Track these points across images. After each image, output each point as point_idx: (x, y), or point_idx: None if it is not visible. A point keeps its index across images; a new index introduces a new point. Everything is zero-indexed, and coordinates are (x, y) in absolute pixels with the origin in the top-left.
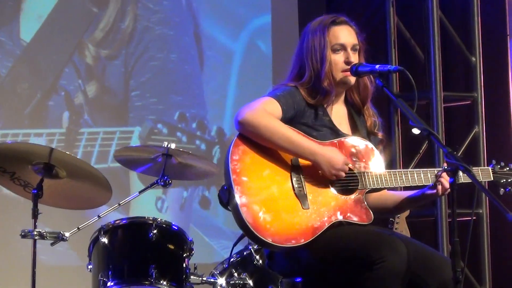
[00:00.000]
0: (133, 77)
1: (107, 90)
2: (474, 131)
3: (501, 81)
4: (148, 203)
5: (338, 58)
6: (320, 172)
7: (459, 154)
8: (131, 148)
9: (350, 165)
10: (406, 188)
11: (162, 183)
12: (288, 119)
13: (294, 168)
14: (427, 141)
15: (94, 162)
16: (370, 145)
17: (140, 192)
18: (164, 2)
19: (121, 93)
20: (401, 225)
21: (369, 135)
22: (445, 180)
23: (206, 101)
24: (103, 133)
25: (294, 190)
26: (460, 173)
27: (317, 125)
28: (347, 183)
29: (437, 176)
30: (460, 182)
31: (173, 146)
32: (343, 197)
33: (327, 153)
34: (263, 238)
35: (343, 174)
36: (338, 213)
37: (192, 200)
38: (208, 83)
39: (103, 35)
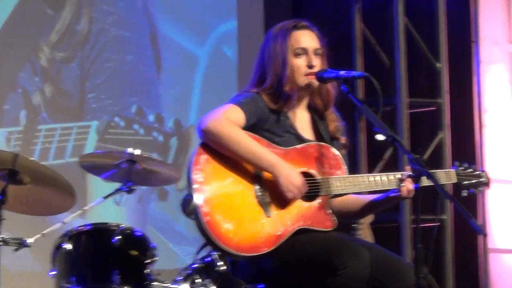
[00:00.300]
0: (89, 79)
1: (63, 92)
2: (439, 137)
3: (465, 87)
4: (108, 207)
5: (300, 62)
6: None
7: (423, 160)
8: (95, 154)
9: (313, 171)
10: (370, 192)
11: (127, 189)
12: (251, 126)
13: (256, 177)
14: (391, 147)
15: (52, 158)
16: (333, 150)
17: (105, 197)
18: (119, 4)
19: (77, 95)
20: (364, 231)
21: (332, 140)
22: (409, 183)
23: (163, 104)
24: (60, 129)
25: (257, 198)
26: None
27: (279, 131)
28: (310, 189)
29: (401, 180)
30: (423, 185)
31: (137, 152)
32: (306, 204)
33: (286, 168)
34: (226, 248)
35: (298, 195)
36: (301, 220)
37: (150, 193)
38: (167, 86)
39: (58, 37)
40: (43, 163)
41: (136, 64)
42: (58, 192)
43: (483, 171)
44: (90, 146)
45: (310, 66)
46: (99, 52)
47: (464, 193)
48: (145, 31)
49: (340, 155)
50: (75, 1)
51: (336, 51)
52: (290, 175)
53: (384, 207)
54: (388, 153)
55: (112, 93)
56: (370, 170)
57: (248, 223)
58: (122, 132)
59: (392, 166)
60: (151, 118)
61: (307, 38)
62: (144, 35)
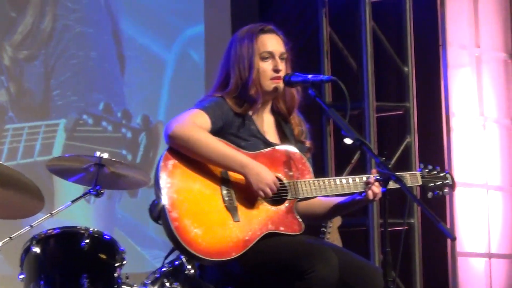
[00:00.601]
0: (54, 77)
1: (27, 91)
2: (406, 141)
3: (433, 91)
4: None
5: (266, 66)
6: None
7: (391, 164)
8: (63, 157)
9: (280, 175)
10: (337, 195)
11: (95, 193)
12: (217, 131)
13: (224, 181)
14: (359, 151)
15: (20, 157)
16: (299, 153)
17: (73, 201)
18: (83, 1)
19: (41, 93)
20: (333, 235)
21: (297, 143)
22: (375, 186)
23: (129, 101)
24: (28, 128)
25: (224, 203)
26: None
27: (245, 135)
28: (278, 193)
29: (367, 183)
30: (390, 187)
31: (105, 155)
32: (274, 208)
33: (257, 167)
34: (195, 253)
35: (269, 192)
36: (269, 224)
37: (119, 196)
38: (132, 85)
39: (21, 38)
40: (11, 162)
41: (100, 60)
42: (26, 195)
43: (447, 173)
44: (59, 144)
45: (276, 70)
46: (64, 49)
47: (430, 195)
48: (108, 29)
49: (306, 159)
50: (38, 0)
51: (303, 55)
52: (261, 173)
53: (350, 210)
54: (355, 157)
55: (77, 90)
56: (338, 174)
57: (217, 228)
58: (90, 129)
59: (359, 169)
60: (119, 114)
61: (273, 42)
62: (107, 33)
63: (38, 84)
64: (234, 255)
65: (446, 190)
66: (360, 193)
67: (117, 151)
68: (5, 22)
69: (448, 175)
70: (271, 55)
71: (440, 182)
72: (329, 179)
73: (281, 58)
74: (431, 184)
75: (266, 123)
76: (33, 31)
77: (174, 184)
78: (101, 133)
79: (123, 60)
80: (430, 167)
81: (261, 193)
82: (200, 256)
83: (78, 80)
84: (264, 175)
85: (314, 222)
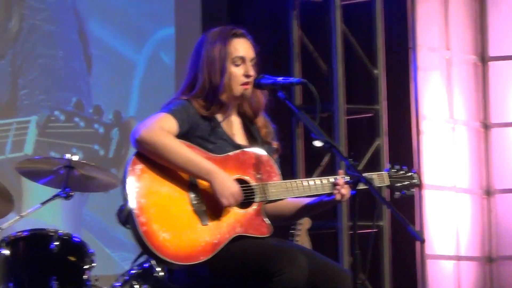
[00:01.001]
0: (21, 76)
1: None
2: (376, 143)
3: (403, 93)
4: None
5: (237, 71)
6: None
7: (361, 166)
8: (33, 160)
9: (248, 177)
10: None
11: (64, 195)
12: (184, 134)
13: (192, 185)
14: (329, 154)
15: None
16: (266, 155)
17: (43, 203)
18: (49, 0)
19: (8, 92)
20: (302, 237)
21: (264, 144)
22: (344, 188)
23: (97, 98)
24: None
25: (192, 207)
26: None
27: (212, 138)
28: (246, 196)
29: (335, 184)
30: (359, 188)
31: (75, 158)
32: (242, 210)
33: (222, 176)
34: (163, 257)
35: (233, 202)
36: (238, 227)
37: (86, 198)
38: (100, 86)
39: None
40: None
41: (67, 59)
42: None
43: (415, 172)
44: (31, 141)
45: (247, 76)
46: (31, 48)
47: (397, 195)
48: (74, 27)
49: (273, 160)
50: (3, 1)
51: (274, 57)
52: (226, 182)
53: (318, 211)
54: (325, 160)
55: (45, 89)
56: (308, 176)
57: (185, 232)
58: (62, 125)
59: (329, 172)
60: (91, 110)
61: (245, 47)
62: (73, 31)
63: (5, 83)
64: (202, 259)
65: (413, 189)
66: (329, 194)
67: (89, 146)
68: None
69: (415, 175)
70: (242, 61)
71: (408, 182)
72: (296, 181)
73: (252, 62)
74: (398, 184)
75: (233, 125)
76: (0, 31)
77: (142, 189)
78: (73, 129)
79: (90, 60)
80: (397, 167)
81: (225, 201)
82: (169, 260)
83: (46, 79)
84: (229, 184)
85: (282, 223)
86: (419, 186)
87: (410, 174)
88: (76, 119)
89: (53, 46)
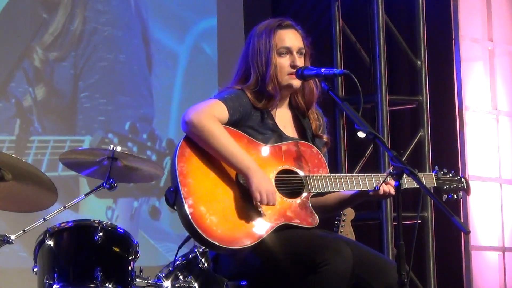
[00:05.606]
0: (82, 79)
1: (55, 92)
2: (419, 135)
3: (446, 84)
4: (98, 212)
5: (283, 62)
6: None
7: (404, 158)
8: (76, 151)
9: (295, 169)
10: None
11: (108, 186)
12: (234, 122)
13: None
14: (372, 145)
15: (44, 170)
16: (315, 148)
17: (86, 194)
18: (112, 3)
19: (70, 95)
20: (346, 229)
21: (314, 137)
22: (389, 185)
23: (154, 103)
24: (53, 141)
25: (240, 192)
26: (405, 179)
27: (262, 129)
28: (293, 187)
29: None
30: (404, 187)
31: (118, 149)
32: (289, 200)
33: (262, 174)
34: (210, 240)
35: (265, 199)
36: (284, 215)
37: (141, 210)
38: (155, 86)
39: (52, 39)
40: None
41: (128, 63)
42: (39, 188)
43: (462, 177)
44: None
45: (293, 66)
46: (92, 52)
47: (444, 197)
48: (137, 30)
49: (322, 154)
50: (69, 2)
51: (316, 48)
52: (263, 180)
53: (359, 201)
54: (369, 151)
55: (105, 93)
56: (351, 168)
57: (232, 216)
58: None
59: (372, 164)
60: (144, 136)
61: (291, 37)
62: (136, 34)
63: (67, 86)
64: (248, 244)
65: (460, 194)
66: (373, 189)
67: None
68: (36, 22)
69: (463, 179)
70: (288, 51)
71: (455, 185)
72: (344, 176)
73: (299, 53)
74: (446, 187)
75: (284, 117)
76: (63, 33)
77: (190, 172)
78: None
79: (150, 61)
80: (445, 169)
81: (258, 196)
82: (215, 243)
83: (106, 82)
84: (266, 182)
85: (324, 214)
86: (467, 190)
87: (458, 178)
88: (130, 144)
89: (115, 49)
